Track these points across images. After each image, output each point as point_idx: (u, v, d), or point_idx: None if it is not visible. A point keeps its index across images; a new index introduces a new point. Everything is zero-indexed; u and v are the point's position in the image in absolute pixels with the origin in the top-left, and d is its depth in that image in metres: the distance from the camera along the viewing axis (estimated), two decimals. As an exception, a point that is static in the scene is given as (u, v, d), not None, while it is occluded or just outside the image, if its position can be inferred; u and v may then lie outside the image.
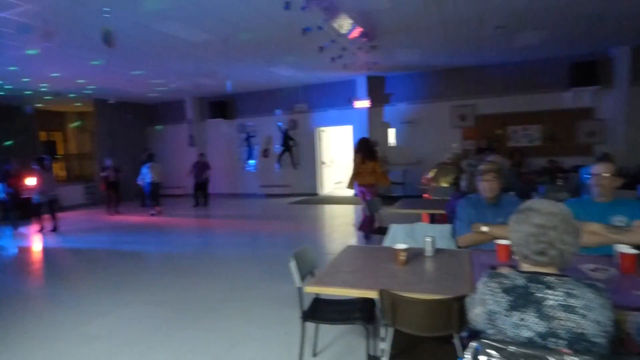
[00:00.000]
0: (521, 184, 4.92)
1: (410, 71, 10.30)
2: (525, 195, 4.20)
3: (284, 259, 2.59)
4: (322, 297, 2.67)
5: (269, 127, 12.33)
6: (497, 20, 6.34)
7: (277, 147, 12.30)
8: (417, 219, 4.66)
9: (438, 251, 2.59)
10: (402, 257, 2.34)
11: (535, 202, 1.45)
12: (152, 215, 9.83)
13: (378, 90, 10.78)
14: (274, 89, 11.91)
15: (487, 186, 2.90)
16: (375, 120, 10.82)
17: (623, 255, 2.09)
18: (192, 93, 12.31)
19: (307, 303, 2.59)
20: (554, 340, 1.26)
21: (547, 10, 5.92)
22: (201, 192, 11.07)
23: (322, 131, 12.14)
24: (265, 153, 12.58)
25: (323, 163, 12.27)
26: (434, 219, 4.67)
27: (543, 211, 1.39)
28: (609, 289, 1.55)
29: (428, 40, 7.44)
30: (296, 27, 5.90)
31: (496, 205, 2.87)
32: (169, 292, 4.39)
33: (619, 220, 2.52)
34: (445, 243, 2.99)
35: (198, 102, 13.09)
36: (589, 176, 2.67)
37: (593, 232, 2.52)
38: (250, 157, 12.84)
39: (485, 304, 1.39)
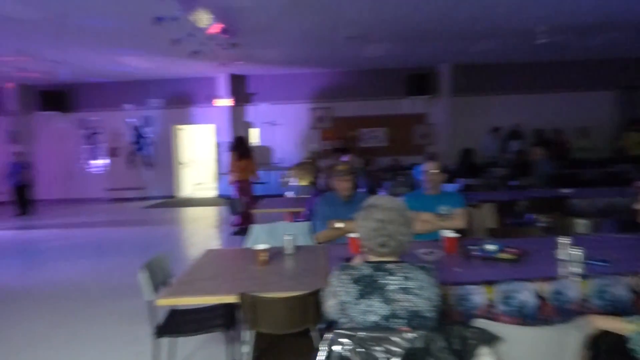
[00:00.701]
0: (370, 181, 5.46)
1: (272, 72, 10.45)
2: (373, 191, 4.66)
3: (136, 270, 2.33)
4: (180, 307, 2.49)
5: (118, 123, 11.02)
6: (348, 31, 6.89)
7: (127, 146, 11.07)
8: (281, 217, 4.74)
9: (298, 248, 2.66)
10: (263, 257, 2.33)
11: (376, 199, 1.60)
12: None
13: (240, 89, 10.64)
14: (124, 80, 10.67)
15: (342, 185, 3.11)
16: (237, 119, 10.66)
17: (447, 238, 2.48)
18: (14, 79, 10.15)
19: (164, 316, 2.38)
20: (395, 320, 1.40)
21: (386, 27, 6.68)
22: (22, 198, 9.21)
23: (180, 129, 11.41)
24: (113, 152, 11.21)
25: (181, 163, 11.54)
26: (298, 217, 4.82)
27: (382, 207, 1.53)
28: (437, 269, 1.81)
29: (288, 43, 7.66)
30: (147, 15, 5.39)
31: (350, 202, 3.09)
32: (-21, 325, 3.53)
33: (443, 209, 2.99)
34: (305, 240, 3.10)
35: (25, 90, 10.84)
36: (421, 173, 3.11)
37: (425, 220, 2.93)
38: (94, 157, 11.26)
39: (337, 295, 1.47)
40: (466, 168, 6.94)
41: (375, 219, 1.50)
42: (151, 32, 6.21)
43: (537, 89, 10.15)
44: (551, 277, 1.98)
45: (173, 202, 10.64)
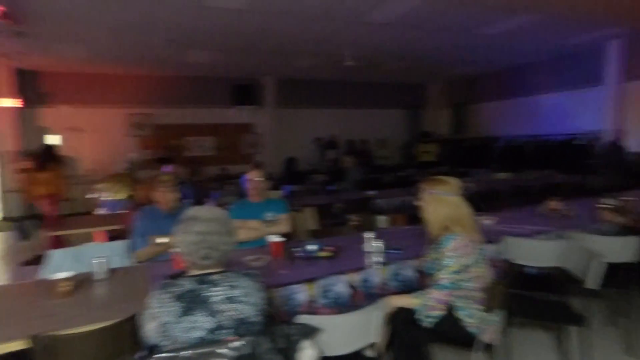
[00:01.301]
0: (197, 192, 5.25)
1: (76, 70, 8.99)
2: (200, 202, 4.51)
3: None
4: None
5: None
6: (167, 33, 6.50)
7: None
8: (89, 238, 4.09)
9: (113, 272, 2.34)
10: (64, 287, 1.96)
11: (195, 211, 1.55)
12: None
13: (31, 88, 8.79)
14: None
15: (165, 197, 2.91)
16: (28, 124, 8.77)
17: (273, 243, 2.58)
18: None
19: None
20: (221, 332, 1.37)
21: (206, 34, 6.58)
22: None
23: (-62, 135, 8.70)
24: None
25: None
26: (113, 236, 4.24)
27: (203, 218, 1.50)
28: (264, 273, 1.87)
29: (94, 39, 6.72)
30: None
31: (174, 215, 2.88)
32: None
33: (269, 215, 3.11)
34: (122, 261, 2.77)
35: None
36: (246, 181, 3.17)
37: (252, 228, 3.00)
38: None
39: (157, 316, 1.36)
40: (290, 175, 7.39)
41: (196, 231, 1.46)
42: None
43: (348, 105, 11.61)
44: (360, 268, 2.28)
45: None
